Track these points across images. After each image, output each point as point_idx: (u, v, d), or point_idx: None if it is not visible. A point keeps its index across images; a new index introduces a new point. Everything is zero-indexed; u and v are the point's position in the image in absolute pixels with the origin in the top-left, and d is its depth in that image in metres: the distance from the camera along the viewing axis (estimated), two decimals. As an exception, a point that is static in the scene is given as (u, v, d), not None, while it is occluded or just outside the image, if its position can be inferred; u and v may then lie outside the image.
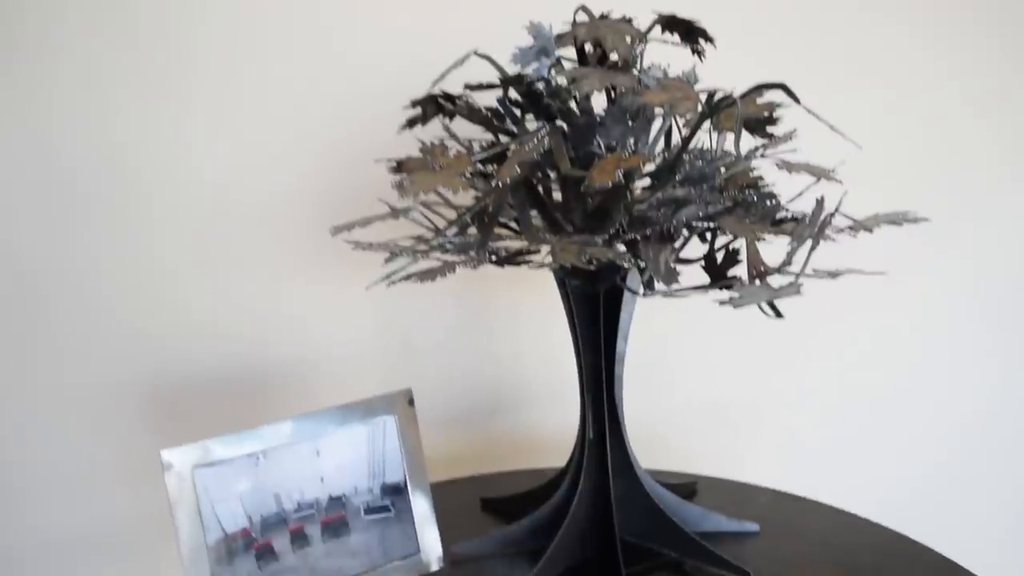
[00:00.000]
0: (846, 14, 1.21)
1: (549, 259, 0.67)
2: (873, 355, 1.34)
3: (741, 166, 0.79)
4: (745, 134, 0.81)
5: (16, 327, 1.04)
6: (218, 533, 0.75)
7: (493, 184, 0.68)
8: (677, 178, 0.72)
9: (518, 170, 0.66)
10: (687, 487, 1.00)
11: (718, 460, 1.09)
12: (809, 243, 0.70)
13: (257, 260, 1.09)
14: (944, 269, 1.33)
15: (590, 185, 0.66)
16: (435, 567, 0.84)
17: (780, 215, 0.76)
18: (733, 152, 0.74)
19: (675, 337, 1.25)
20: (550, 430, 1.21)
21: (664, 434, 1.20)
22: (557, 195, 0.80)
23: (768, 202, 0.76)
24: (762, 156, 0.76)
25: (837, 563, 0.86)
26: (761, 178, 0.79)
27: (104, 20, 1.01)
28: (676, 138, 0.83)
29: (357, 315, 1.14)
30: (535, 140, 0.68)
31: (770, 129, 0.83)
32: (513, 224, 0.79)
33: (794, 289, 0.65)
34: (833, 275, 0.77)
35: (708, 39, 0.79)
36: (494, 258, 0.68)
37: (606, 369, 0.86)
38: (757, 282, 0.68)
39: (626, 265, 0.66)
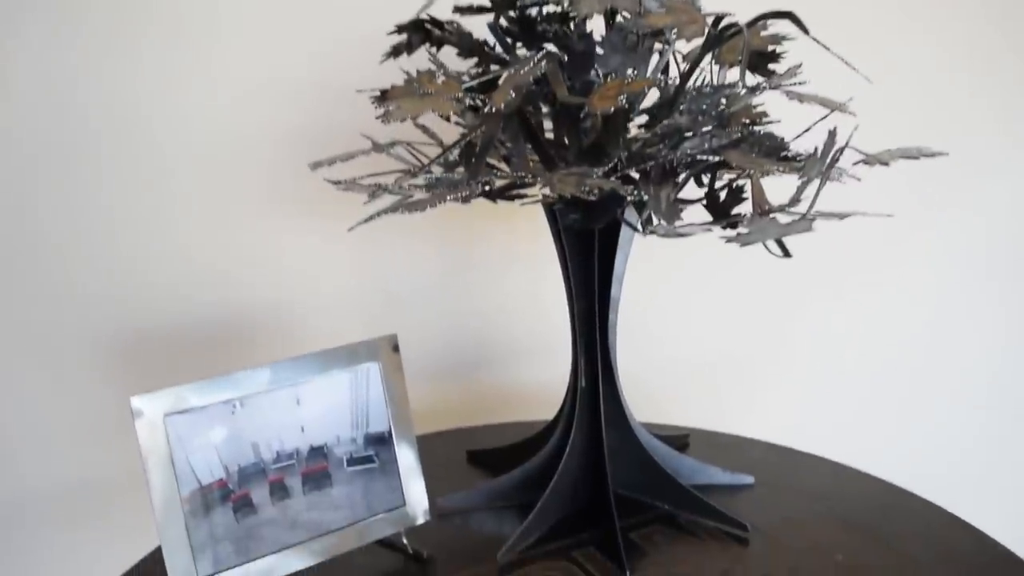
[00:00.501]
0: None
1: (546, 191, 0.63)
2: (867, 311, 1.32)
3: (744, 101, 0.75)
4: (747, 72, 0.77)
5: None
6: (192, 484, 0.71)
7: (485, 111, 0.63)
8: (679, 109, 0.68)
9: (512, 95, 0.62)
10: (679, 439, 0.97)
11: (709, 418, 1.06)
12: (819, 179, 0.66)
13: (230, 203, 1.04)
14: (937, 226, 1.31)
15: (591, 109, 0.61)
16: (421, 520, 0.80)
17: (785, 153, 0.73)
18: (737, 86, 0.69)
19: (666, 293, 1.22)
20: (538, 384, 1.17)
21: (653, 391, 1.17)
22: (549, 135, 0.76)
23: (773, 139, 0.72)
24: (769, 88, 0.71)
25: (835, 515, 0.84)
26: (766, 114, 0.76)
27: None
28: (675, 74, 0.79)
29: (338, 264, 1.09)
30: (531, 64, 0.64)
31: (772, 67, 0.79)
32: (502, 165, 0.75)
33: (806, 225, 0.62)
34: (841, 216, 0.74)
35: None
36: (487, 188, 0.64)
37: (599, 315, 0.83)
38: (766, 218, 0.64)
39: (628, 197, 0.62)
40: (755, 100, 0.75)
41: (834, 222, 0.71)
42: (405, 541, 0.80)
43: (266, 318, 1.06)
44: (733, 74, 0.76)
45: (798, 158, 0.72)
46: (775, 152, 0.70)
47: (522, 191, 0.71)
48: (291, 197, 1.05)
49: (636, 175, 0.71)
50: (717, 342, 1.28)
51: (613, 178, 0.69)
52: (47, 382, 1.01)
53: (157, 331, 1.03)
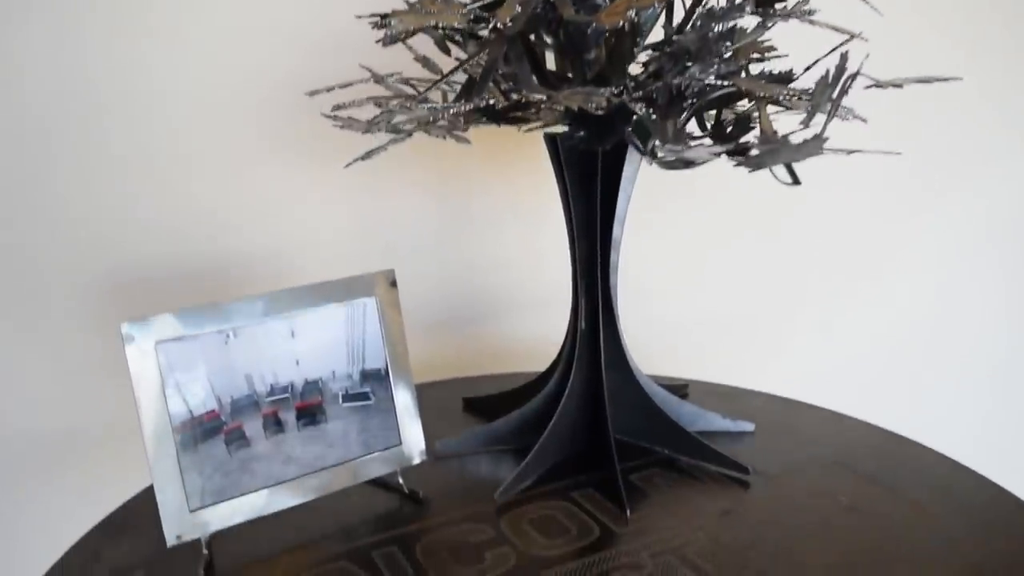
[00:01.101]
0: None
1: (551, 111, 0.61)
2: (871, 269, 1.31)
3: (753, 36, 0.73)
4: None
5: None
6: (184, 415, 0.69)
7: (491, 28, 0.61)
8: (687, 30, 0.66)
9: (519, 9, 0.60)
10: (679, 388, 0.96)
11: (709, 371, 1.05)
12: (829, 105, 0.65)
13: (227, 148, 1.01)
14: (947, 198, 1.31)
15: (599, 25, 0.60)
16: (417, 460, 0.79)
17: (793, 83, 0.71)
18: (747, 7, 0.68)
19: (666, 250, 1.21)
20: (533, 338, 1.16)
21: (652, 345, 1.16)
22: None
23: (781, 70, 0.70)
24: (779, 17, 0.70)
25: (837, 461, 0.83)
26: (774, 47, 0.74)
27: None
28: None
29: (335, 213, 1.07)
30: (537, -20, 0.62)
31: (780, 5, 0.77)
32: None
33: (817, 146, 0.60)
34: (848, 152, 0.72)
35: None
36: (491, 104, 0.62)
37: (601, 255, 0.82)
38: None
39: (636, 112, 0.60)
40: (763, 36, 0.74)
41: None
42: (401, 481, 0.79)
43: (261, 266, 1.04)
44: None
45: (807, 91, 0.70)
46: (783, 80, 0.68)
47: (526, 114, 0.69)
48: (289, 144, 1.02)
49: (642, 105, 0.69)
50: (719, 305, 1.27)
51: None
52: (29, 327, 0.99)
53: (147, 277, 1.01)
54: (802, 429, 0.89)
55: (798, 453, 0.84)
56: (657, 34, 0.77)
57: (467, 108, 0.61)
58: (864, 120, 0.78)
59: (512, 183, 1.14)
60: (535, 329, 1.16)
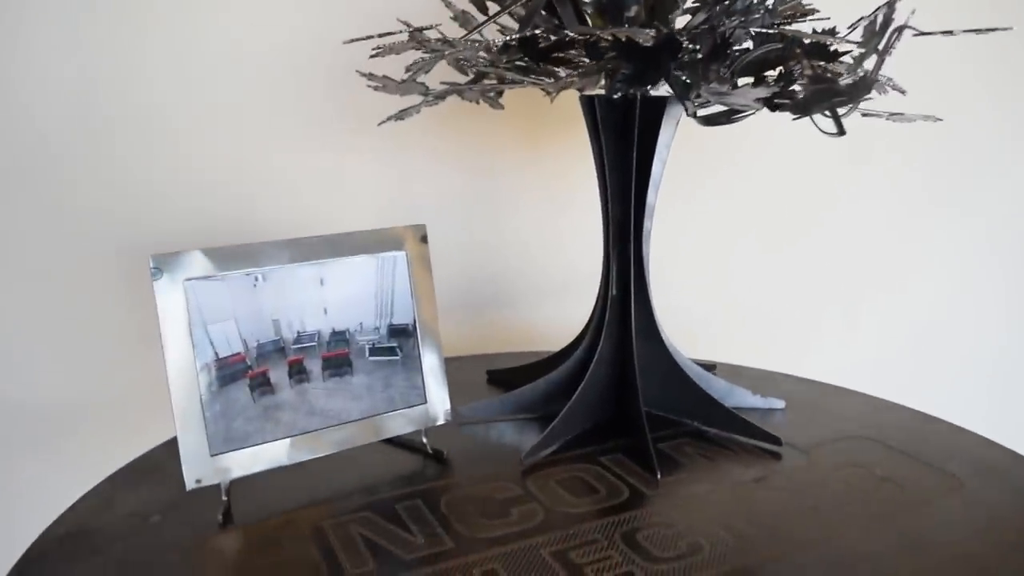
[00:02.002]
0: None
1: (596, 49, 0.60)
2: (900, 269, 1.30)
3: (794, 1, 0.73)
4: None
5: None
6: (209, 355, 0.68)
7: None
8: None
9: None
10: (707, 366, 0.94)
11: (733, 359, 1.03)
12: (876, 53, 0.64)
13: (252, 119, 1.01)
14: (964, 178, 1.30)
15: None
16: (442, 421, 0.77)
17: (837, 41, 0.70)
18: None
19: (693, 238, 1.20)
20: (551, 321, 1.14)
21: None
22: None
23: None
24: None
25: (869, 437, 0.81)
26: (816, 9, 0.74)
27: None
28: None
29: (360, 186, 1.07)
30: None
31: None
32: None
33: (865, 88, 0.59)
34: (894, 116, 0.72)
35: None
36: (537, 31, 0.61)
37: (635, 221, 0.81)
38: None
39: (684, 43, 0.59)
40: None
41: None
42: (425, 440, 0.77)
43: (280, 229, 1.03)
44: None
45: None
46: (829, 33, 0.68)
47: (567, 55, 0.68)
48: (319, 120, 1.02)
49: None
50: (744, 296, 1.25)
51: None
52: (43, 294, 0.97)
53: (169, 245, 1.00)
54: (833, 409, 0.87)
55: (829, 429, 0.82)
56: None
57: (511, 39, 0.60)
58: (903, 92, 0.77)
59: (538, 160, 1.13)
60: (553, 315, 1.15)
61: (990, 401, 1.37)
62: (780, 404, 0.87)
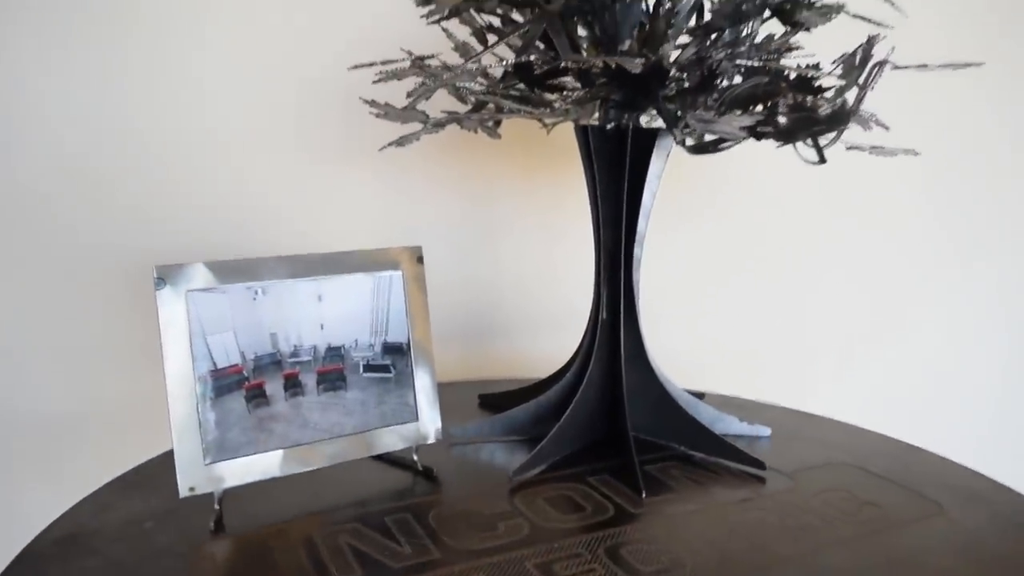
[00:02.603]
0: None
1: (588, 77, 0.63)
2: (880, 304, 1.32)
3: (781, 39, 0.76)
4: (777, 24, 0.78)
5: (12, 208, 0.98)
6: (208, 365, 0.69)
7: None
8: (722, 10, 0.68)
9: (562, -22, 0.63)
10: (695, 394, 0.96)
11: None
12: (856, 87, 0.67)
13: (256, 145, 1.04)
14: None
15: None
16: (432, 439, 0.79)
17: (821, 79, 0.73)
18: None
19: (683, 267, 1.22)
20: (544, 353, 1.16)
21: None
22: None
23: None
24: (806, 13, 0.72)
25: (854, 464, 0.82)
26: (802, 47, 0.77)
27: None
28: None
29: (361, 214, 1.09)
30: (580, -44, 0.65)
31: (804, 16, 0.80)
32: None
33: (845, 117, 0.62)
34: (875, 149, 0.75)
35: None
36: (532, 58, 0.64)
37: (625, 248, 0.83)
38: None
39: (672, 72, 0.62)
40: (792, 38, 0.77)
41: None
42: (415, 457, 0.78)
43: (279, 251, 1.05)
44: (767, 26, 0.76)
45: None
46: (814, 68, 0.70)
47: (561, 81, 0.71)
48: (319, 141, 1.05)
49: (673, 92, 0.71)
50: (732, 330, 1.27)
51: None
52: (45, 305, 0.99)
53: (164, 254, 1.02)
54: (818, 436, 0.89)
55: (814, 456, 0.83)
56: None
57: (508, 65, 0.63)
58: (887, 127, 0.80)
59: (534, 194, 1.16)
60: (547, 344, 1.16)
61: (983, 440, 1.38)
62: (766, 431, 0.88)
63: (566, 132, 0.86)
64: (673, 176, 0.82)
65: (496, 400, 0.94)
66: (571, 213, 1.06)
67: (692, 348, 1.21)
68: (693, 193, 1.19)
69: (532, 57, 0.64)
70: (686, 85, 0.66)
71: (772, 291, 1.28)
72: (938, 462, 0.83)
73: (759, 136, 0.68)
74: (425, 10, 0.73)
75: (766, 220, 1.26)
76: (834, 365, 1.34)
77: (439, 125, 0.80)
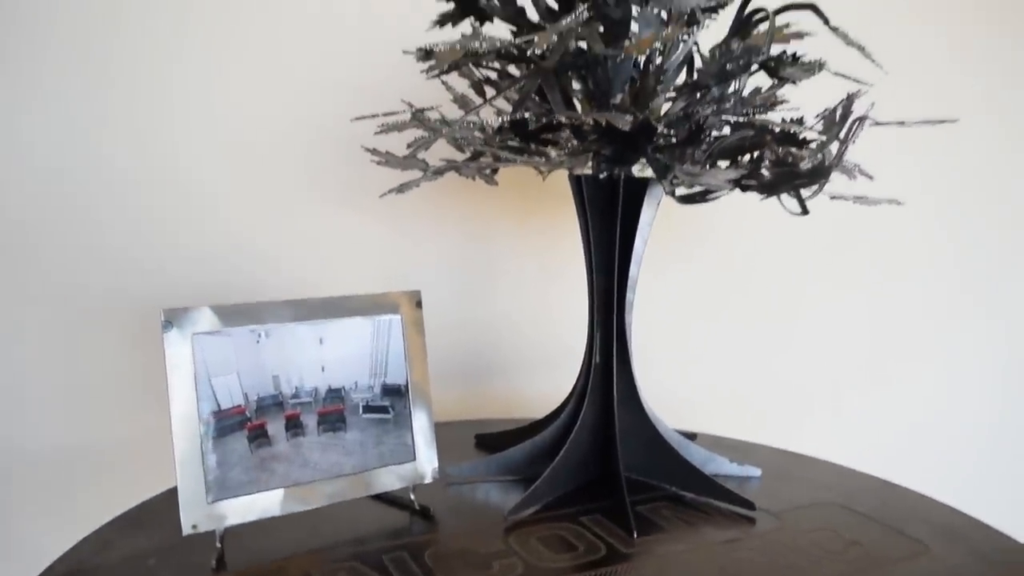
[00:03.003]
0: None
1: (580, 132, 0.66)
2: (869, 344, 1.35)
3: (768, 94, 0.79)
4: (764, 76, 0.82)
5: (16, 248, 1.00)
6: (212, 406, 0.71)
7: (529, 54, 0.67)
8: (709, 65, 0.72)
9: (555, 37, 0.66)
10: (687, 435, 0.98)
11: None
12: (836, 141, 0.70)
13: (262, 190, 1.07)
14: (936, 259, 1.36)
15: (627, 53, 0.66)
16: (429, 479, 0.80)
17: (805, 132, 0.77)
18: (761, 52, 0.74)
19: (675, 312, 1.25)
20: (540, 393, 1.18)
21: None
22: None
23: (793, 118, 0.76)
24: (791, 68, 0.76)
25: (840, 504, 0.84)
26: (787, 100, 0.80)
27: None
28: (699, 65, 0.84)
29: (362, 258, 1.12)
30: (573, 16, 0.68)
31: (788, 71, 0.83)
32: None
33: (826, 171, 0.65)
34: (859, 199, 0.78)
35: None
36: (527, 115, 0.67)
37: (618, 293, 0.85)
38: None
39: (660, 128, 0.65)
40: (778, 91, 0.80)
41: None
42: (413, 497, 0.80)
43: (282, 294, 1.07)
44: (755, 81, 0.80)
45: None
46: (796, 122, 0.74)
47: (555, 136, 0.74)
48: (321, 187, 1.08)
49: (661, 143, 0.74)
50: (724, 374, 1.30)
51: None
52: (52, 344, 1.02)
53: (168, 297, 1.04)
54: (806, 477, 0.91)
55: (802, 496, 0.85)
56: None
57: (504, 121, 0.66)
58: (871, 177, 0.83)
59: (530, 238, 1.19)
60: (541, 384, 1.19)
61: (968, 478, 1.40)
62: (756, 472, 0.90)
63: (560, 177, 0.89)
64: (663, 222, 0.85)
65: (491, 440, 0.96)
66: (566, 255, 1.10)
67: (684, 388, 1.24)
68: (683, 239, 1.22)
69: (527, 114, 0.67)
70: (674, 140, 0.69)
71: (761, 332, 1.31)
72: (920, 500, 0.85)
73: (744, 188, 0.71)
74: (425, 65, 0.76)
75: (755, 263, 1.29)
76: (822, 404, 1.36)
77: (438, 173, 0.83)
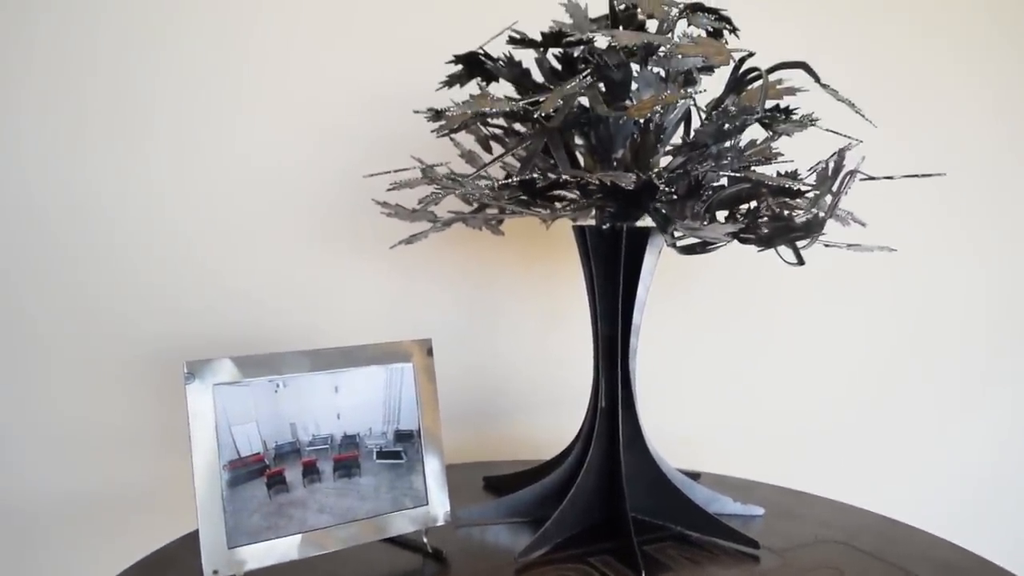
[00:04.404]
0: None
1: (585, 191, 0.69)
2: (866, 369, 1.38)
3: (763, 147, 0.83)
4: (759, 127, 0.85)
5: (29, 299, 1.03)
6: (232, 454, 0.74)
7: (535, 117, 0.71)
8: (706, 127, 0.75)
9: (561, 102, 0.70)
10: (691, 474, 1.00)
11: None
12: (829, 195, 0.73)
13: (269, 236, 1.10)
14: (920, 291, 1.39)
15: (629, 116, 0.69)
16: (442, 521, 0.83)
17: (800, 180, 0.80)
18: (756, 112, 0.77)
19: (681, 355, 1.28)
20: (549, 433, 1.21)
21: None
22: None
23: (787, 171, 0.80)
24: (786, 123, 0.79)
25: (841, 541, 0.86)
26: (781, 153, 0.84)
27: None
28: (697, 124, 0.88)
29: (369, 301, 1.15)
30: (576, 81, 0.72)
31: (782, 127, 0.87)
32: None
33: (820, 224, 0.68)
34: (849, 246, 0.81)
35: (732, 28, 0.84)
36: (534, 175, 0.71)
37: (622, 339, 0.88)
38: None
39: (661, 187, 0.69)
40: (773, 143, 0.84)
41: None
42: (425, 540, 0.82)
43: (294, 342, 1.10)
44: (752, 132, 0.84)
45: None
46: (790, 176, 0.77)
47: (561, 192, 0.77)
48: (331, 237, 1.12)
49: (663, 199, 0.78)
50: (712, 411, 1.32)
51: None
52: (67, 393, 1.04)
53: (183, 349, 1.07)
54: (808, 514, 0.93)
55: (805, 534, 0.88)
56: (677, 141, 0.87)
57: (513, 181, 0.69)
58: (864, 224, 0.86)
59: (536, 285, 1.22)
60: (547, 425, 1.21)
61: (968, 516, 1.42)
62: (759, 511, 0.92)
63: (565, 226, 0.92)
64: (661, 262, 0.89)
65: (500, 482, 0.99)
66: (569, 301, 1.13)
67: (687, 428, 1.26)
68: (681, 278, 1.26)
69: (535, 174, 0.70)
70: (675, 196, 0.72)
71: (764, 371, 1.34)
72: (919, 536, 0.88)
73: (742, 240, 0.74)
74: (435, 125, 0.80)
75: (752, 298, 1.32)
76: (823, 440, 1.39)
77: (446, 224, 0.86)
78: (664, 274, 0.92)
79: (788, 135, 0.82)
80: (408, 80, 1.01)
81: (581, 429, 0.92)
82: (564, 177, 0.71)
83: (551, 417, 1.21)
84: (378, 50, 1.11)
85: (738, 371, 1.33)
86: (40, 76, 0.99)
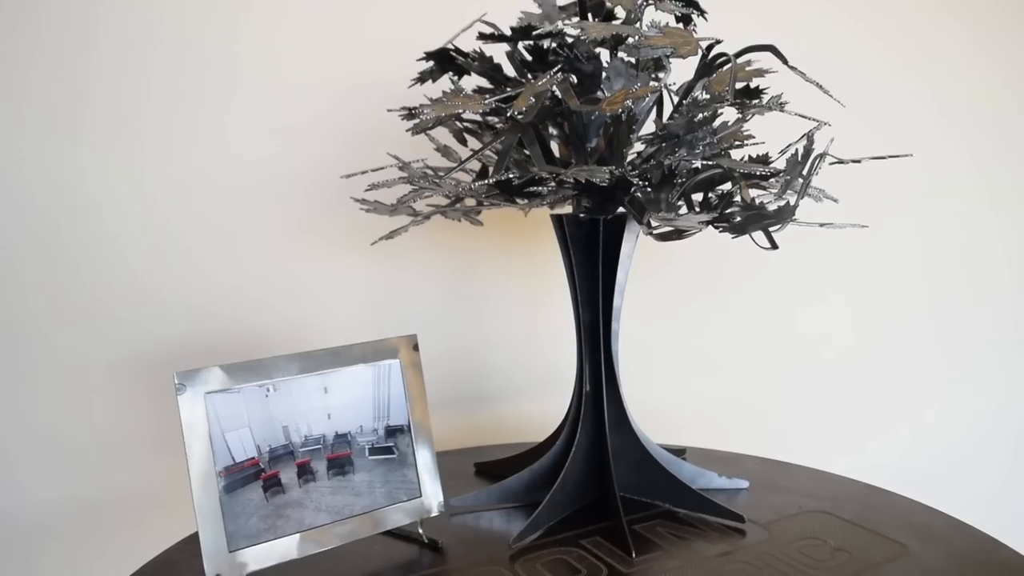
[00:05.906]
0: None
1: (560, 186, 0.70)
2: (849, 348, 1.40)
3: (734, 128, 0.84)
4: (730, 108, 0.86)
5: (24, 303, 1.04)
6: (227, 460, 0.75)
7: (509, 115, 0.72)
8: (676, 116, 0.76)
9: (533, 100, 0.70)
10: (677, 450, 1.03)
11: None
12: (800, 179, 0.75)
13: (253, 231, 1.11)
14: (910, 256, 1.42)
15: (601, 112, 0.70)
16: (436, 512, 0.85)
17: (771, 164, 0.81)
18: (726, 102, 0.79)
19: (660, 336, 1.30)
20: (532, 416, 1.23)
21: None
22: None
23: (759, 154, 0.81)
24: (755, 108, 0.80)
25: (824, 510, 0.89)
26: (752, 136, 0.85)
27: None
28: (669, 108, 0.89)
29: (352, 294, 1.16)
30: (547, 77, 0.73)
31: (755, 102, 0.88)
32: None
33: (790, 212, 0.70)
34: (822, 224, 0.82)
35: (700, 11, 0.85)
36: (510, 175, 0.72)
37: (603, 324, 0.90)
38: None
39: (635, 181, 0.70)
40: (743, 127, 0.85)
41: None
42: (421, 531, 0.84)
43: (285, 342, 1.12)
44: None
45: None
46: (761, 161, 0.79)
47: (537, 189, 0.78)
48: (313, 232, 1.12)
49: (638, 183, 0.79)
50: (708, 381, 1.35)
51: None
52: (61, 397, 1.05)
53: (175, 356, 1.09)
54: (792, 485, 0.96)
55: (789, 505, 0.90)
56: (650, 128, 0.88)
57: (489, 181, 0.70)
58: (836, 200, 0.88)
59: (516, 271, 1.24)
60: (534, 408, 1.23)
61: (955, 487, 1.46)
62: (744, 484, 0.95)
63: (543, 209, 0.94)
64: (640, 244, 0.90)
65: (490, 468, 1.01)
66: (551, 284, 1.15)
67: (671, 405, 1.29)
68: (661, 258, 1.27)
69: (511, 174, 0.71)
70: (649, 188, 0.74)
71: (743, 346, 1.36)
72: (899, 502, 0.91)
73: (717, 228, 0.76)
74: (410, 124, 0.80)
75: (736, 275, 1.34)
76: (806, 412, 1.42)
77: (425, 217, 0.87)
78: (640, 249, 0.94)
79: (760, 115, 0.83)
80: (384, 74, 1.01)
81: (568, 413, 0.94)
82: (540, 174, 0.72)
83: (538, 398, 1.23)
84: (352, 44, 1.11)
85: (715, 345, 1.35)
86: (40, 76, 0.99)
